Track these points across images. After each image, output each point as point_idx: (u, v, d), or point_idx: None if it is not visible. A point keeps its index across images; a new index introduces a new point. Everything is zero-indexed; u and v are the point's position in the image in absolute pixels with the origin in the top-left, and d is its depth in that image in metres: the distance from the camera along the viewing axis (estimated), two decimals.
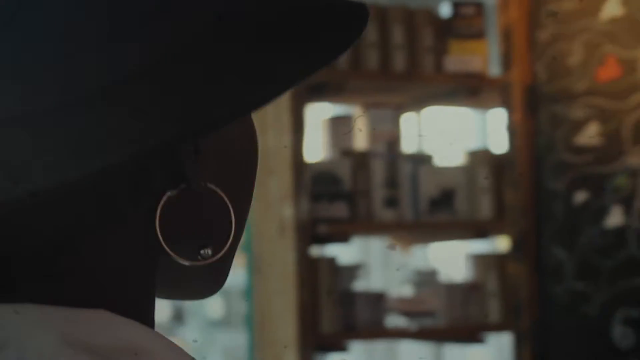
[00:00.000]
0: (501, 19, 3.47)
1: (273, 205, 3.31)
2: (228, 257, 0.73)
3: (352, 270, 3.44)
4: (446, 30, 3.55)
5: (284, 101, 3.26)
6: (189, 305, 5.55)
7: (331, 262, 3.33)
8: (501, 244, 3.68)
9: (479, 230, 3.66)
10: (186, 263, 0.69)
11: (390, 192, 3.44)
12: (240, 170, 0.74)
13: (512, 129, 3.44)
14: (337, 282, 3.32)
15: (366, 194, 3.40)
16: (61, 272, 0.68)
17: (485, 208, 3.51)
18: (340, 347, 3.32)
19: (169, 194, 0.69)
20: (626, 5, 3.27)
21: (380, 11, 3.47)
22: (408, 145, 3.66)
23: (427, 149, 4.15)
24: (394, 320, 3.50)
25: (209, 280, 0.75)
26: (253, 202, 0.77)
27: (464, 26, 3.57)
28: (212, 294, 0.76)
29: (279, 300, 3.29)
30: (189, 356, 0.67)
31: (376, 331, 3.40)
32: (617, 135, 3.27)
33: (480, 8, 3.58)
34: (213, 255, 0.70)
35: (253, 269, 3.46)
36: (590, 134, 3.32)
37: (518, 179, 3.40)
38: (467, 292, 3.51)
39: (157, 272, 0.71)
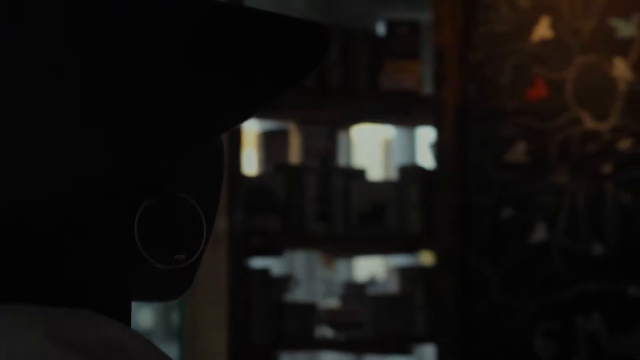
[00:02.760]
0: (435, 40, 3.55)
1: None
2: (198, 261, 0.79)
3: (283, 282, 3.47)
4: (381, 49, 3.60)
5: None
6: None
7: (264, 274, 3.38)
8: (429, 258, 3.74)
9: (408, 245, 3.71)
10: (162, 267, 0.75)
11: (323, 206, 3.49)
12: (210, 182, 0.80)
13: (442, 147, 3.50)
14: (269, 294, 3.36)
15: (299, 207, 3.45)
16: (49, 274, 0.73)
17: (414, 223, 3.57)
18: (272, 359, 3.36)
19: (146, 202, 0.74)
20: (555, 28, 3.37)
21: None
22: (341, 161, 3.71)
23: (360, 165, 4.22)
24: (323, 332, 3.55)
25: (179, 283, 0.80)
26: None
27: (398, 45, 3.62)
28: (179, 296, 0.81)
29: (210, 311, 3.32)
30: (165, 354, 0.72)
31: (305, 342, 3.44)
32: (544, 153, 3.37)
33: (415, 28, 3.64)
34: (187, 259, 0.76)
35: None
36: (518, 152, 3.41)
37: (446, 195, 3.49)
38: (394, 304, 3.56)
39: (134, 275, 0.77)
